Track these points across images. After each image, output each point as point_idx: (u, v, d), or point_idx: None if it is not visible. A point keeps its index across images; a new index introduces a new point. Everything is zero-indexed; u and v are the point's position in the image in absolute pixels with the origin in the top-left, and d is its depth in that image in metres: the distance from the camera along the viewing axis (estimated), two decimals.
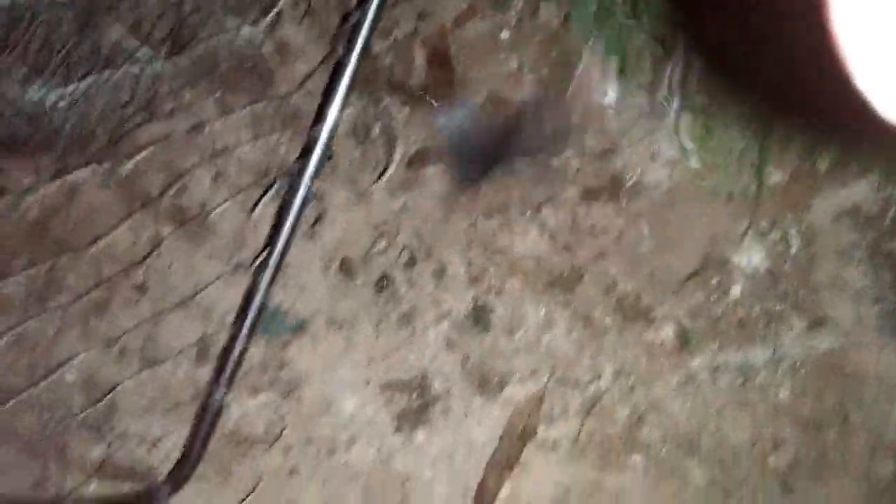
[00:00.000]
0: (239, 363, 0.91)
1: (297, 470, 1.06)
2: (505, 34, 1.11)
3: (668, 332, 1.12)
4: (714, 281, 1.12)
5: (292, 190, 0.91)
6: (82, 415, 1.02)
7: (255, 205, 1.06)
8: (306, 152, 0.96)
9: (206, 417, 0.92)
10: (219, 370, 0.97)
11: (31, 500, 0.98)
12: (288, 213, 0.89)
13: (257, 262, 1.01)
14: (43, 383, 1.03)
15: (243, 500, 1.03)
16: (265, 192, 1.07)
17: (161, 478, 0.98)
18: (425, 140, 1.13)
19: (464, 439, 1.09)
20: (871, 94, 0.30)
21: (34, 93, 1.05)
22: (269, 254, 0.87)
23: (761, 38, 0.99)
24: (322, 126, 0.89)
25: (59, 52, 1.04)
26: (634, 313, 1.12)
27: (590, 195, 1.12)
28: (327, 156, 0.99)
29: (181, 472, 0.93)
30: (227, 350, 0.94)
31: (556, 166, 1.12)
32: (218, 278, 1.07)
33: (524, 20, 1.12)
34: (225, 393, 0.92)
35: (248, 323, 0.91)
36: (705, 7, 1.07)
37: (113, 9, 1.04)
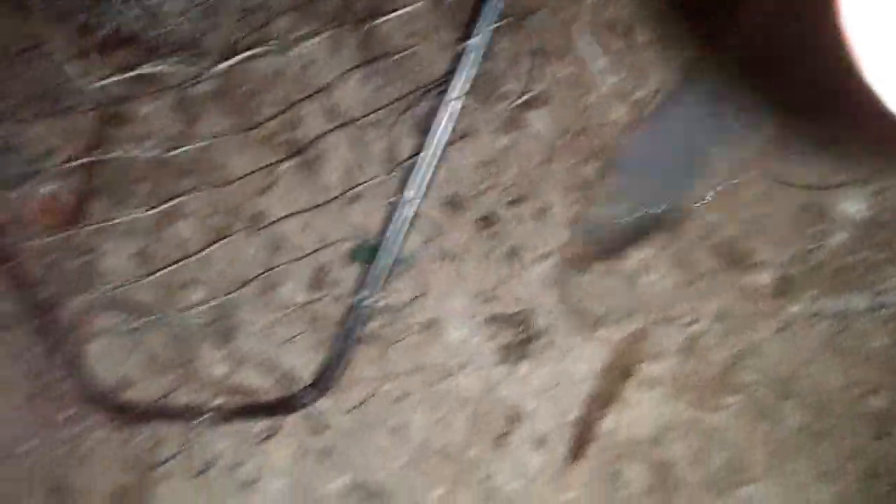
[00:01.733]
0: (389, 275, 0.92)
1: (408, 394, 1.11)
2: None
3: (766, 278, 1.15)
4: (815, 229, 1.15)
5: (437, 107, 0.91)
6: (209, 329, 1.07)
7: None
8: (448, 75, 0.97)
9: (352, 328, 0.95)
10: (360, 281, 0.99)
11: (173, 409, 1.02)
12: (438, 124, 0.89)
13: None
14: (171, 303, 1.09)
15: (356, 407, 1.07)
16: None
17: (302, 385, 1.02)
18: (535, 84, 1.17)
19: (565, 373, 1.12)
20: (881, 88, 0.30)
21: None
22: (418, 163, 0.88)
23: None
24: (472, 42, 0.89)
25: None
26: (734, 258, 1.15)
27: None
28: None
29: (323, 380, 0.97)
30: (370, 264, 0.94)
31: None
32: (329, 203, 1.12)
33: None
34: (372, 300, 0.94)
35: (396, 231, 0.91)
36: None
37: None
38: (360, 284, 0.98)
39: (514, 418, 1.10)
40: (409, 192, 0.91)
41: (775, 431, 1.14)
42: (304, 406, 1.02)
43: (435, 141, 0.90)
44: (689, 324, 1.13)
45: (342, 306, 1.09)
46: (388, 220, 1.03)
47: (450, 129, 0.90)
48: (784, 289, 1.15)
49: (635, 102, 1.13)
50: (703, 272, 1.15)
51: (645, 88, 1.11)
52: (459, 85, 0.86)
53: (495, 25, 0.95)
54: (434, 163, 0.91)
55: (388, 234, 0.95)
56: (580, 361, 1.12)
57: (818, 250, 1.15)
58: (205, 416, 1.02)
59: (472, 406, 1.10)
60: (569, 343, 1.13)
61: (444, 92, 0.88)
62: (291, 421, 1.07)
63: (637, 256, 1.14)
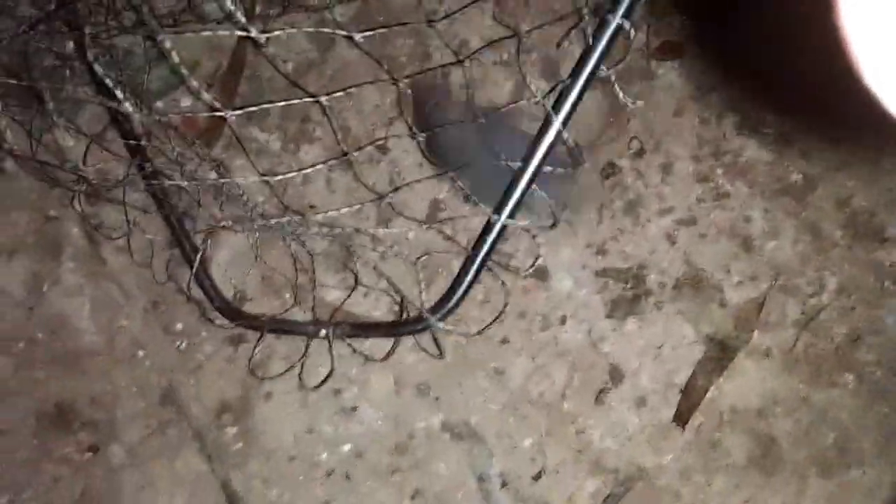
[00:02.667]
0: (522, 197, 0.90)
1: (509, 340, 1.10)
2: None
3: None
4: None
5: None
6: (328, 253, 1.09)
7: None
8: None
9: (470, 265, 0.95)
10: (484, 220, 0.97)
11: (286, 326, 1.05)
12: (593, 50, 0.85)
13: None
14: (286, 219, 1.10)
15: (460, 345, 1.07)
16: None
17: (412, 315, 1.03)
18: (672, 34, 1.12)
19: (673, 335, 1.08)
20: (880, 89, 0.28)
21: None
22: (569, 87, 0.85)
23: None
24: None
25: None
26: (866, 230, 1.09)
27: None
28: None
29: (435, 311, 0.97)
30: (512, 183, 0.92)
31: None
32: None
33: None
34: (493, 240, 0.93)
35: (540, 153, 0.89)
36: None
37: None
38: (485, 223, 0.96)
39: (616, 376, 1.08)
40: (553, 126, 0.88)
41: (891, 416, 1.08)
42: (414, 332, 1.02)
43: (585, 71, 0.86)
44: (811, 295, 1.08)
45: (456, 242, 1.08)
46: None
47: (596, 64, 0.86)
48: None
49: None
50: (832, 242, 1.09)
51: None
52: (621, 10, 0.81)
53: None
54: (577, 95, 0.88)
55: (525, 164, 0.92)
56: (691, 324, 1.08)
57: None
58: (316, 337, 1.03)
59: (572, 358, 1.08)
60: (680, 305, 1.09)
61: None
62: (397, 351, 1.08)
63: (763, 221, 1.09)
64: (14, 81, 0.99)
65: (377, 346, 1.07)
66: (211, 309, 1.05)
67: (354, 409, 1.08)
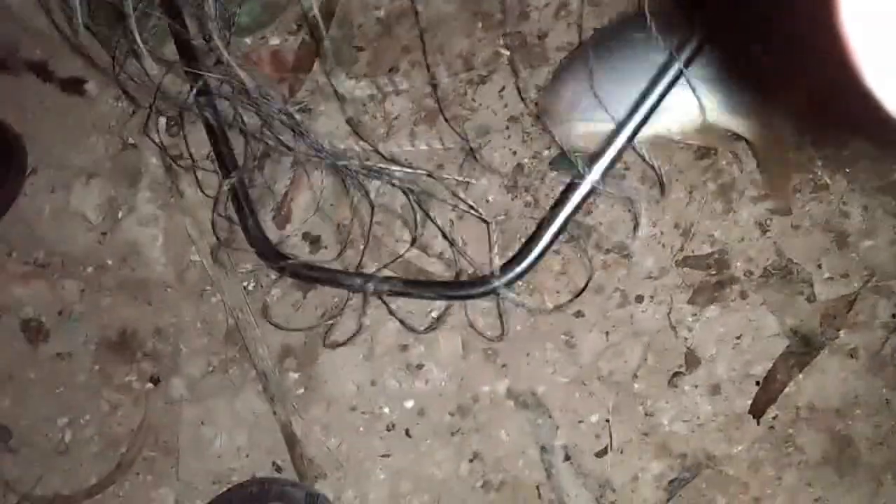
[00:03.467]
0: (613, 163, 0.87)
1: (583, 313, 1.07)
2: None
3: None
4: None
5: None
6: (404, 208, 1.06)
7: None
8: None
9: (557, 214, 0.91)
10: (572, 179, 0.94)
11: (356, 278, 1.02)
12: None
13: None
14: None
15: (533, 312, 1.04)
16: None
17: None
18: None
19: (756, 325, 1.05)
20: (881, 91, 0.28)
21: None
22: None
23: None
24: None
25: None
26: None
27: None
28: None
29: (509, 274, 0.94)
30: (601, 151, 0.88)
31: None
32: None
33: None
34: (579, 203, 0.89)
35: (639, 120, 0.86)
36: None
37: None
38: (571, 181, 0.93)
39: (692, 361, 1.05)
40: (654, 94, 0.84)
41: None
42: (475, 296, 0.99)
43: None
44: None
45: (535, 210, 1.06)
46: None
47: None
48: None
49: None
50: None
51: None
52: None
53: None
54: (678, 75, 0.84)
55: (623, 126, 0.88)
56: (775, 316, 1.05)
57: None
58: (358, 291, 1.01)
59: (648, 339, 1.05)
60: (766, 295, 1.05)
61: None
62: (468, 310, 1.05)
63: (861, 218, 1.05)
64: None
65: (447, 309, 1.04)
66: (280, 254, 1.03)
67: (420, 366, 1.06)
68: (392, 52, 1.09)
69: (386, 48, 1.09)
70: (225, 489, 1.02)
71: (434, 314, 1.04)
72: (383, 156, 0.94)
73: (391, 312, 1.02)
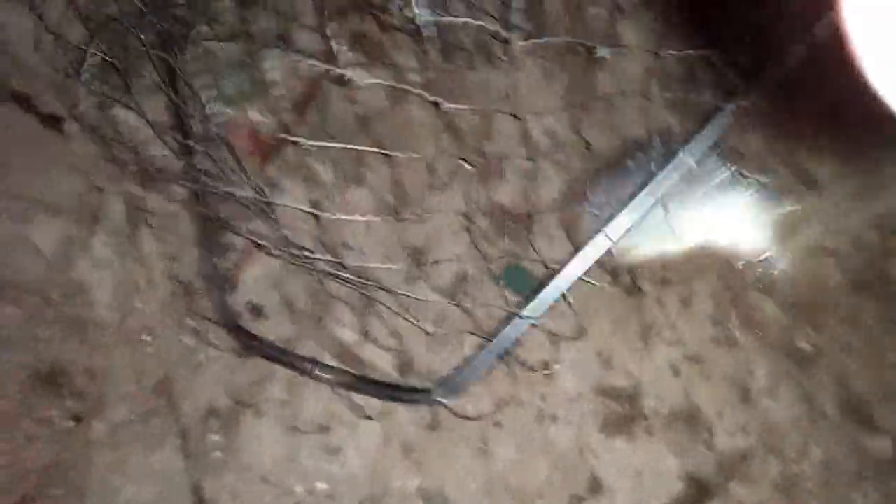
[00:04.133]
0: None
1: (501, 424, 1.12)
2: None
3: (885, 445, 1.13)
4: None
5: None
6: (351, 295, 1.11)
7: None
8: None
9: (499, 343, 0.98)
10: (518, 301, 1.01)
11: (294, 355, 1.07)
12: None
13: None
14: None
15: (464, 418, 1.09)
16: None
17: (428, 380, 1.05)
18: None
19: (657, 463, 1.11)
20: (886, 91, 0.28)
21: None
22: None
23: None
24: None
25: None
26: (858, 415, 1.14)
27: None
28: None
29: (452, 384, 1.00)
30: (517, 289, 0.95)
31: None
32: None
33: None
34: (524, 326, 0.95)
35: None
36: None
37: None
38: (518, 304, 1.01)
39: (594, 487, 1.11)
40: (607, 233, 0.93)
41: None
42: (414, 401, 1.04)
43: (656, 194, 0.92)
44: (794, 461, 1.12)
45: (476, 317, 1.12)
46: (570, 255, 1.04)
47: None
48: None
49: None
50: (823, 416, 1.14)
51: None
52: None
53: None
54: (644, 213, 0.94)
55: (561, 269, 0.97)
56: (676, 457, 1.12)
57: None
58: (315, 379, 1.05)
59: (557, 459, 1.11)
60: (670, 435, 1.13)
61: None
62: (400, 409, 1.10)
63: (765, 378, 1.14)
64: (101, 55, 1.02)
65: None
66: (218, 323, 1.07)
67: (339, 449, 1.10)
68: (362, 144, 1.16)
69: (358, 140, 1.16)
70: None
71: (361, 403, 1.08)
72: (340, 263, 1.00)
73: (350, 400, 1.06)
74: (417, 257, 1.12)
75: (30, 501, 1.06)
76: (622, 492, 1.09)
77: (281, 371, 1.09)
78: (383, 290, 1.06)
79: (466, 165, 1.13)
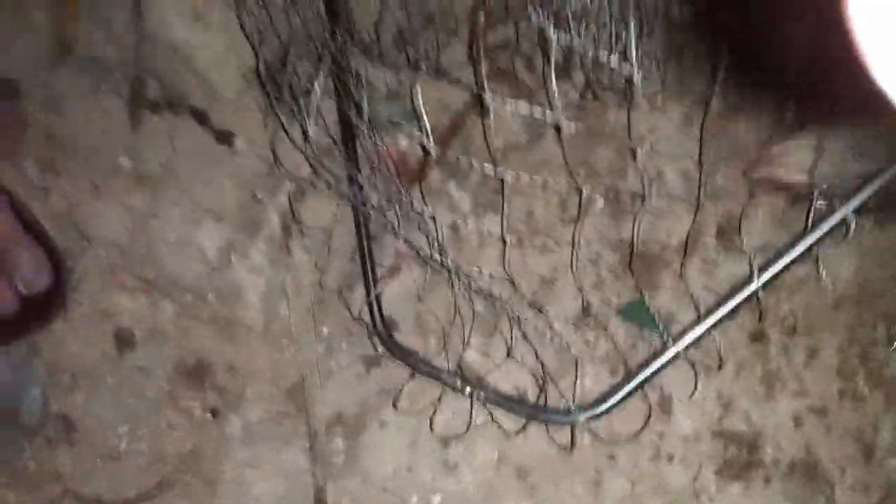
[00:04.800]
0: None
1: (615, 457, 1.15)
2: None
3: None
4: None
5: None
6: (487, 314, 1.17)
7: None
8: None
9: (646, 374, 1.01)
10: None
11: (429, 366, 1.12)
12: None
13: None
14: None
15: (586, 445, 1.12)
16: None
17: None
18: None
19: None
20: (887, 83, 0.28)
21: None
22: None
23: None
24: None
25: None
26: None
27: None
28: None
29: (597, 408, 1.05)
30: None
31: None
32: None
33: None
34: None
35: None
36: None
37: None
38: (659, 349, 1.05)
39: None
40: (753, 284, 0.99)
41: None
42: (557, 421, 1.08)
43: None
44: None
45: (594, 350, 1.16)
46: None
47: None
48: None
49: None
50: None
51: None
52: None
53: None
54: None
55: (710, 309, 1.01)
56: None
57: None
58: (459, 392, 1.10)
59: (670, 498, 1.12)
60: (788, 486, 1.12)
61: None
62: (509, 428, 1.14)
63: (892, 435, 1.13)
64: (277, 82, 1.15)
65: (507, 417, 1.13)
66: (371, 336, 1.15)
67: (456, 466, 1.14)
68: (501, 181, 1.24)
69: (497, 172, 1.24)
70: None
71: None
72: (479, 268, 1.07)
73: (492, 417, 1.11)
74: (545, 287, 1.17)
75: (166, 486, 1.14)
76: None
77: (407, 385, 1.15)
78: (517, 314, 1.11)
79: (599, 201, 1.19)
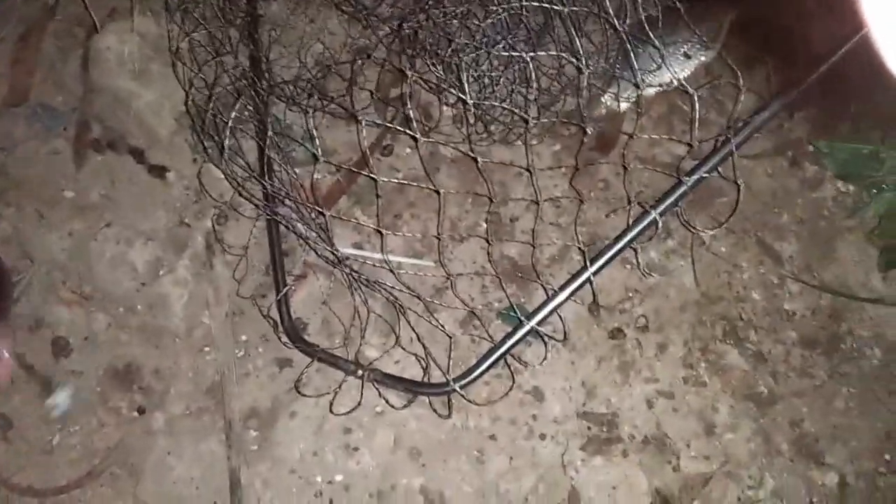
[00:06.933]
0: (546, 317, 1.23)
1: (496, 437, 1.33)
2: None
3: (832, 478, 1.31)
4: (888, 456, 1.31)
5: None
6: (387, 312, 1.37)
7: None
8: None
9: (504, 343, 1.23)
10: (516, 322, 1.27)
11: (331, 358, 1.31)
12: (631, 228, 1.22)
13: None
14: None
15: (462, 425, 1.30)
16: None
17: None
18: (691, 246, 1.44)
19: (629, 481, 1.28)
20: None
21: None
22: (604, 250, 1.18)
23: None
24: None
25: None
26: (808, 452, 1.32)
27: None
28: None
29: (467, 377, 1.24)
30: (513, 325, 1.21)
31: None
32: None
33: None
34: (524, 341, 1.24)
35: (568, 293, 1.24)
36: None
37: None
38: (517, 326, 1.26)
39: (574, 499, 1.28)
40: (586, 272, 1.22)
41: None
42: (435, 393, 1.23)
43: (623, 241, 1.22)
44: (750, 487, 1.28)
45: (477, 346, 1.36)
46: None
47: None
48: (843, 494, 1.30)
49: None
50: (778, 451, 1.33)
51: None
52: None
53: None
54: (608, 258, 1.23)
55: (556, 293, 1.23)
56: (646, 476, 1.30)
57: (889, 475, 1.30)
58: (352, 375, 1.28)
59: (542, 471, 1.29)
60: (642, 457, 1.31)
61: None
62: (402, 414, 1.33)
63: (727, 414, 1.35)
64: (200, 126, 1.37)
65: (395, 401, 1.32)
66: (279, 330, 1.34)
67: (356, 449, 1.30)
68: (400, 203, 1.47)
69: (397, 201, 1.47)
70: None
71: (388, 400, 1.31)
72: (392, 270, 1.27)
73: (379, 393, 1.26)
74: (439, 296, 1.39)
75: (95, 475, 1.28)
76: (598, 503, 1.28)
77: (315, 378, 1.33)
78: (423, 301, 1.31)
79: (483, 224, 1.42)
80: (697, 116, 1.15)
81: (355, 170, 1.29)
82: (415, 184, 1.31)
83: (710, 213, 1.41)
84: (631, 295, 1.34)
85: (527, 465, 1.23)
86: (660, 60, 1.32)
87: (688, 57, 1.42)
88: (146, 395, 1.27)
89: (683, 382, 1.29)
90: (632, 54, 1.09)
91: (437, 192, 1.10)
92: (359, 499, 1.21)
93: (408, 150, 1.41)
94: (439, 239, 1.24)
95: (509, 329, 1.27)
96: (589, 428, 1.26)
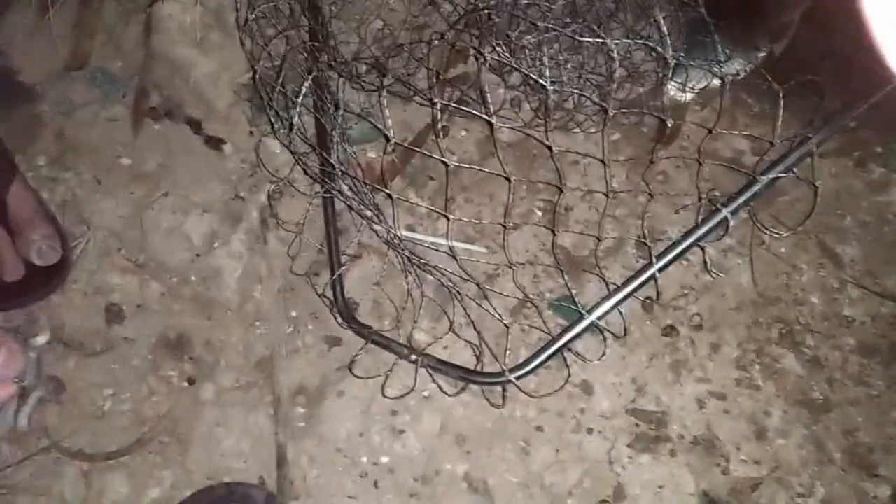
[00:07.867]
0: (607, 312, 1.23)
1: (543, 429, 1.33)
2: None
3: (884, 491, 1.29)
4: None
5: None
6: (439, 298, 1.37)
7: None
8: None
9: (562, 337, 1.21)
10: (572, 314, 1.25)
11: (383, 340, 1.31)
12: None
13: None
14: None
15: (509, 414, 1.30)
16: None
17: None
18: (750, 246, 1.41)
19: (676, 481, 1.26)
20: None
21: None
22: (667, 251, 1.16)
23: None
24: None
25: None
26: (862, 462, 1.30)
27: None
28: None
29: (523, 368, 1.24)
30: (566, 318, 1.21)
31: None
32: None
33: None
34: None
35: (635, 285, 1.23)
36: None
37: None
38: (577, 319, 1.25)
39: (619, 495, 1.28)
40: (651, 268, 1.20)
41: None
42: (489, 383, 1.22)
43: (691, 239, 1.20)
44: (801, 495, 1.26)
45: (527, 336, 1.36)
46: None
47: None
48: None
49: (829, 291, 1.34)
50: (830, 459, 1.30)
51: None
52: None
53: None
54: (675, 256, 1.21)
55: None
56: (693, 477, 1.29)
57: None
58: (405, 359, 1.28)
59: (588, 466, 1.29)
60: (690, 458, 1.29)
61: None
62: (451, 402, 1.33)
63: (780, 419, 1.33)
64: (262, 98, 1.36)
65: (447, 388, 1.31)
66: (332, 309, 1.34)
67: (402, 432, 1.31)
68: (453, 187, 1.46)
69: (450, 183, 1.46)
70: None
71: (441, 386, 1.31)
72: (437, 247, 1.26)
73: (433, 379, 1.25)
74: (490, 283, 1.38)
75: (143, 443, 1.30)
76: (643, 501, 1.27)
77: (364, 360, 1.34)
78: (480, 286, 1.30)
79: (538, 213, 1.40)
80: (781, 114, 1.11)
81: (426, 153, 1.27)
82: (486, 170, 1.28)
83: (771, 211, 1.37)
84: (686, 292, 1.32)
85: (572, 459, 1.22)
86: (728, 52, 1.28)
87: (757, 49, 1.37)
88: (196, 365, 1.28)
89: (736, 384, 1.26)
90: (712, 40, 1.06)
91: (508, 180, 1.08)
92: (403, 482, 1.21)
93: (463, 132, 1.39)
94: (505, 227, 1.22)
95: (560, 320, 1.25)
96: (637, 425, 1.24)
